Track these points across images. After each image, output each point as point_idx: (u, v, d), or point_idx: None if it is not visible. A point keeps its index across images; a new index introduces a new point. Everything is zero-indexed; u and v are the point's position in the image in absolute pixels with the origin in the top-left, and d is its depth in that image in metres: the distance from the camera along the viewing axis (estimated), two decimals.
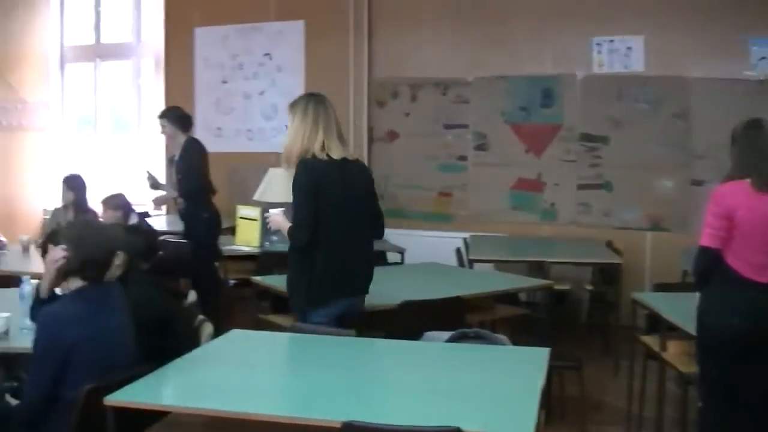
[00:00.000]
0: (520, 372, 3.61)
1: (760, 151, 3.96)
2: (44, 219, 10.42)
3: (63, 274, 3.57)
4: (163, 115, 7.50)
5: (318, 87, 8.55)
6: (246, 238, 7.10)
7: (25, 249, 7.08)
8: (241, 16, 9.31)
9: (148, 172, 7.58)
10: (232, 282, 7.25)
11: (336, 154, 4.44)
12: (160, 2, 9.79)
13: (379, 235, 4.71)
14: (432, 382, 3.51)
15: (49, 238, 3.84)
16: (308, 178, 4.37)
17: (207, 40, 9.47)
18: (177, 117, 7.50)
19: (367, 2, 8.75)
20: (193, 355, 3.82)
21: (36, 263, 6.60)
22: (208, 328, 4.40)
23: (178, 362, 3.65)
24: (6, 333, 4.18)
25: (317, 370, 3.63)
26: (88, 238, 3.59)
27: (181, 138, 7.44)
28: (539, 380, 3.39)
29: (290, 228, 4.41)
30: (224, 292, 7.29)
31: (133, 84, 10.43)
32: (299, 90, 8.75)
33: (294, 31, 9.01)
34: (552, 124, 8.21)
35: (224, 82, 9.41)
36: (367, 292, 4.64)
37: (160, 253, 4.85)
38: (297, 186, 4.42)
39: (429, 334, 4.29)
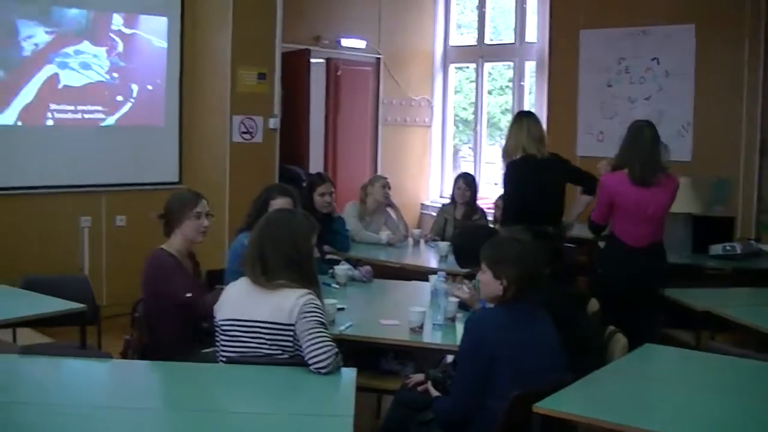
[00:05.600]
0: None
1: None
2: (420, 213, 11.81)
3: (507, 298, 3.93)
4: None
5: (708, 93, 9.00)
6: None
7: (416, 243, 7.88)
8: (628, 19, 9.60)
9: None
10: None
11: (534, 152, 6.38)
12: (545, 4, 10.37)
13: (592, 188, 6.29)
14: None
15: (495, 261, 4.02)
16: (515, 171, 6.40)
17: (592, 42, 9.89)
18: None
19: (765, 8, 8.75)
20: (612, 368, 4.08)
21: (424, 257, 7.53)
22: (621, 340, 4.50)
23: (598, 374, 3.90)
24: (420, 327, 4.68)
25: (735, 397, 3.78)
26: (528, 258, 3.94)
27: None
28: None
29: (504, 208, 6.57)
30: None
31: (515, 85, 11.24)
32: (688, 96, 9.17)
33: (684, 36, 9.20)
34: None
35: (609, 85, 9.77)
36: None
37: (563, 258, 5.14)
38: (504, 180, 6.52)
39: None
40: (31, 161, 8.16)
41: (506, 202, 6.58)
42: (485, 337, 3.78)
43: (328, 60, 10.80)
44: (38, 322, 5.33)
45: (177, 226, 4.95)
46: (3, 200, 7.99)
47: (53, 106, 8.27)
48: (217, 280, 5.42)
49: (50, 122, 8.27)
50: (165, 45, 8.95)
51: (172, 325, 4.81)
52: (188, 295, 4.76)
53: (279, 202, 5.55)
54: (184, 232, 4.95)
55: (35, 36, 8.09)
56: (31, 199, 8.15)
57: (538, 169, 6.39)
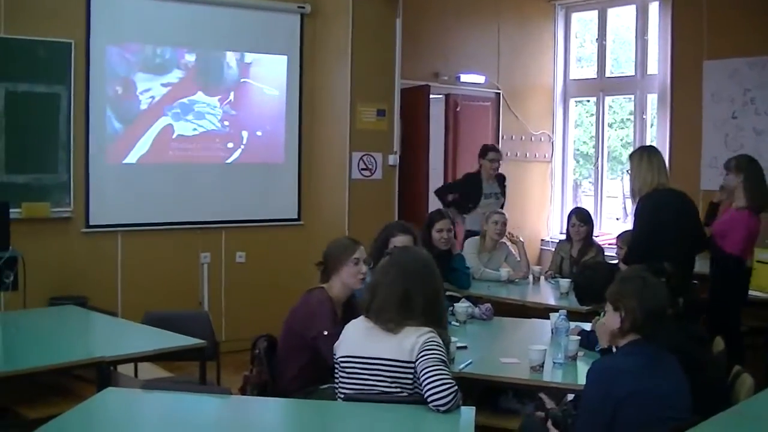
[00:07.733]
0: None
1: None
2: (540, 249, 11.64)
3: (624, 331, 3.82)
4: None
5: None
6: (761, 284, 7.16)
7: (536, 280, 7.72)
8: (752, 49, 9.36)
9: None
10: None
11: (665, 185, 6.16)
12: (667, 36, 10.17)
13: (706, 245, 6.67)
14: None
15: (615, 294, 3.93)
16: (651, 204, 6.07)
17: (716, 73, 9.65)
18: None
19: None
20: (738, 410, 3.84)
21: (544, 294, 7.44)
22: (747, 380, 4.24)
23: (724, 416, 3.67)
24: (541, 366, 4.62)
25: None
26: (649, 293, 3.81)
27: None
28: None
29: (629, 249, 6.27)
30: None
31: (637, 119, 11.06)
32: None
33: None
34: None
35: (734, 117, 9.51)
36: None
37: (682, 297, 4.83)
38: (639, 214, 6.18)
39: None
40: (152, 199, 8.40)
41: (638, 238, 6.21)
42: (609, 390, 3.65)
43: (447, 96, 10.79)
44: (159, 357, 5.40)
45: (335, 272, 4.95)
46: (125, 236, 8.19)
47: (172, 146, 8.54)
48: None
49: (170, 161, 8.52)
50: (275, 92, 9.13)
51: (302, 363, 4.77)
52: (325, 333, 4.67)
53: (399, 240, 5.56)
54: (342, 278, 4.94)
55: (152, 89, 8.36)
56: (153, 235, 8.36)
57: (674, 199, 6.21)
